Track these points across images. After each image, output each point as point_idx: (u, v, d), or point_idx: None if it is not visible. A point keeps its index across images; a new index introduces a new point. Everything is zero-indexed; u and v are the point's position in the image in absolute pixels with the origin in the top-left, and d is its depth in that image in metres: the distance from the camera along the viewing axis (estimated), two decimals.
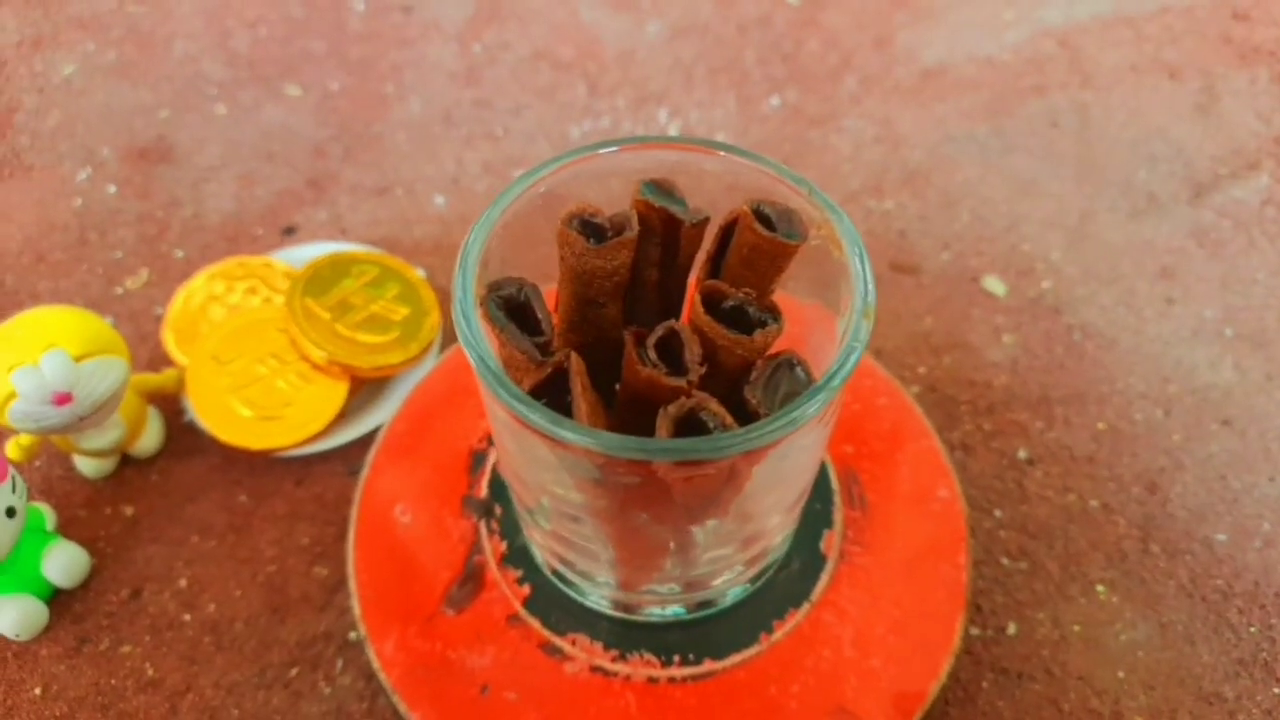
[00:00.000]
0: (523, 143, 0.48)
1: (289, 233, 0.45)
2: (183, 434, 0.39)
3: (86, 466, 0.37)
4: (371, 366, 0.37)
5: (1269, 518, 0.37)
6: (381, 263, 0.40)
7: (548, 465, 0.25)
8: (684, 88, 0.51)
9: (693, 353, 0.24)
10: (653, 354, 0.24)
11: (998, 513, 0.37)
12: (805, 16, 0.54)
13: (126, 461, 0.38)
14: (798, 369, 0.25)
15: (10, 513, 0.32)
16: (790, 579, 0.31)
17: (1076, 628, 0.35)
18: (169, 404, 0.39)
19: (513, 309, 0.24)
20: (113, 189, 0.46)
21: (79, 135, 0.49)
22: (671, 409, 0.23)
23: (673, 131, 0.48)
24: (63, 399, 0.33)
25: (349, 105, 0.50)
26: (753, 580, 0.31)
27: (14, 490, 0.32)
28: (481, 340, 0.23)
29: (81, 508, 0.37)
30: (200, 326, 0.39)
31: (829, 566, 0.32)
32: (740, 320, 0.25)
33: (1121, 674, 0.34)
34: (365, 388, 0.39)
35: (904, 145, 0.48)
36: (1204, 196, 0.46)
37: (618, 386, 0.26)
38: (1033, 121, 0.50)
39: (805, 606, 0.31)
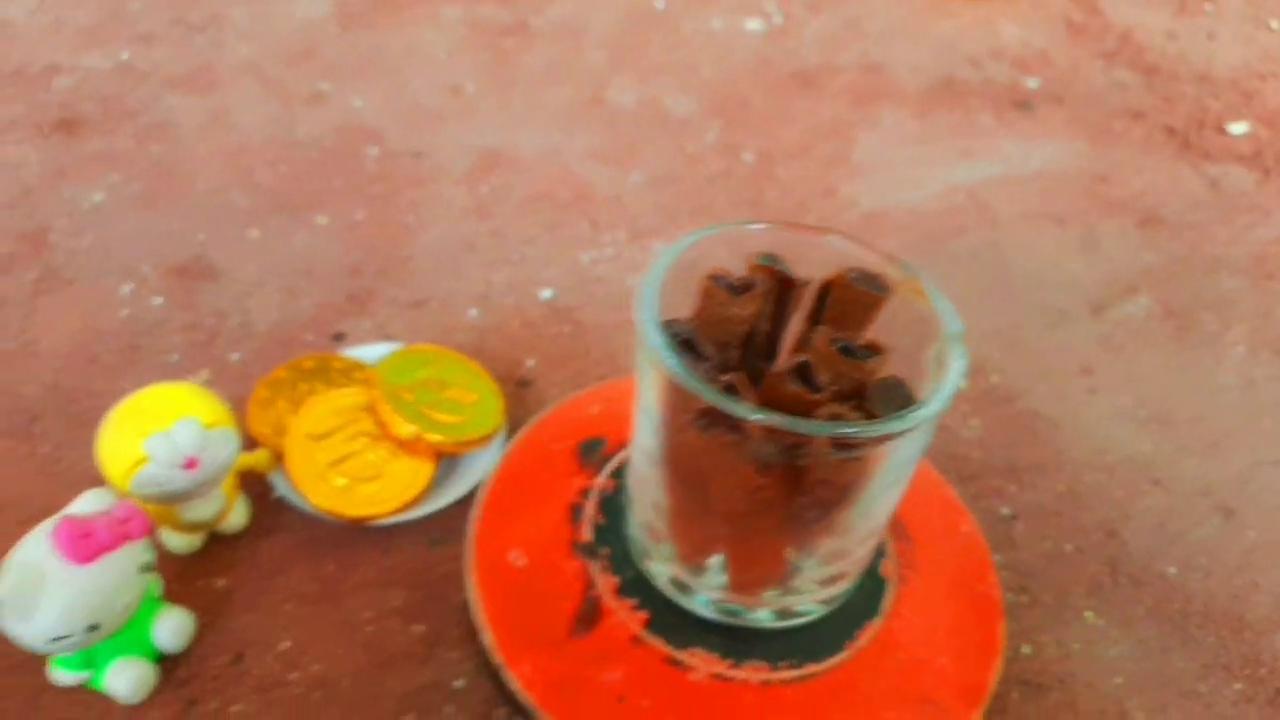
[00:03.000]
0: (540, 266, 0.54)
1: (338, 339, 0.48)
2: (266, 512, 0.41)
3: (176, 542, 0.39)
4: (454, 442, 0.41)
5: (1204, 555, 0.45)
6: (446, 356, 0.45)
7: (715, 468, 0.30)
8: (672, 224, 0.58)
9: (823, 377, 0.30)
10: (793, 379, 0.30)
11: (997, 557, 0.44)
12: (761, 171, 0.64)
13: (213, 538, 0.40)
14: (902, 387, 0.31)
15: (145, 568, 0.34)
16: (860, 598, 0.37)
17: (1076, 646, 0.41)
18: (251, 484, 0.41)
19: (681, 342, 0.30)
20: (158, 301, 0.49)
21: (116, 255, 0.51)
22: (822, 412, 0.29)
23: None
24: (191, 464, 0.36)
25: (376, 232, 0.55)
26: (834, 600, 0.36)
27: (149, 549, 0.34)
28: (668, 359, 0.28)
29: (173, 581, 0.38)
30: (284, 411, 0.42)
31: (890, 587, 0.37)
32: (849, 355, 0.31)
33: (1119, 680, 0.40)
34: (437, 469, 0.42)
35: None
36: (1102, 312, 0.57)
37: None
38: (958, 256, 0.60)
39: (878, 619, 0.36)
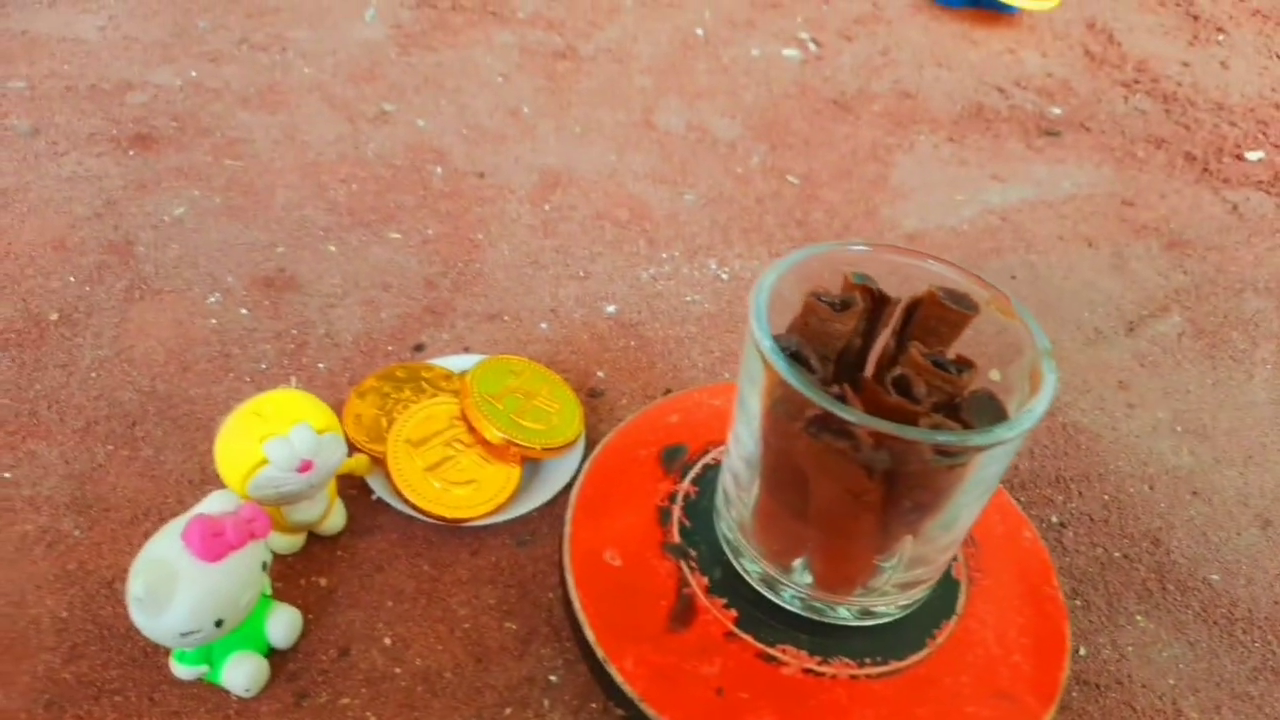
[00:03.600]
0: (603, 282, 0.57)
1: (418, 349, 0.51)
2: (361, 513, 0.43)
3: (280, 543, 0.41)
4: (542, 448, 0.43)
5: (1245, 562, 0.48)
6: (531, 367, 0.47)
7: (821, 472, 0.32)
8: (724, 243, 0.61)
9: (920, 389, 0.32)
10: (892, 390, 0.32)
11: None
12: (806, 193, 0.66)
13: (313, 539, 0.42)
14: (994, 400, 0.33)
15: (264, 566, 0.36)
16: (935, 598, 0.39)
17: (1130, 648, 0.43)
18: (345, 486, 0.43)
19: (791, 354, 0.32)
20: (244, 311, 0.51)
21: (201, 266, 0.53)
22: (924, 423, 0.31)
23: (724, 276, 0.58)
24: (307, 466, 0.38)
25: (447, 248, 0.57)
26: (912, 604, 0.38)
27: (267, 549, 0.36)
28: (784, 369, 0.31)
29: (278, 580, 0.40)
30: (377, 417, 0.44)
31: (963, 588, 0.39)
32: (941, 369, 0.33)
33: (1171, 681, 0.42)
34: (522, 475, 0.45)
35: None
36: (1136, 330, 0.60)
37: None
38: (996, 275, 0.63)
39: (954, 618, 0.38)
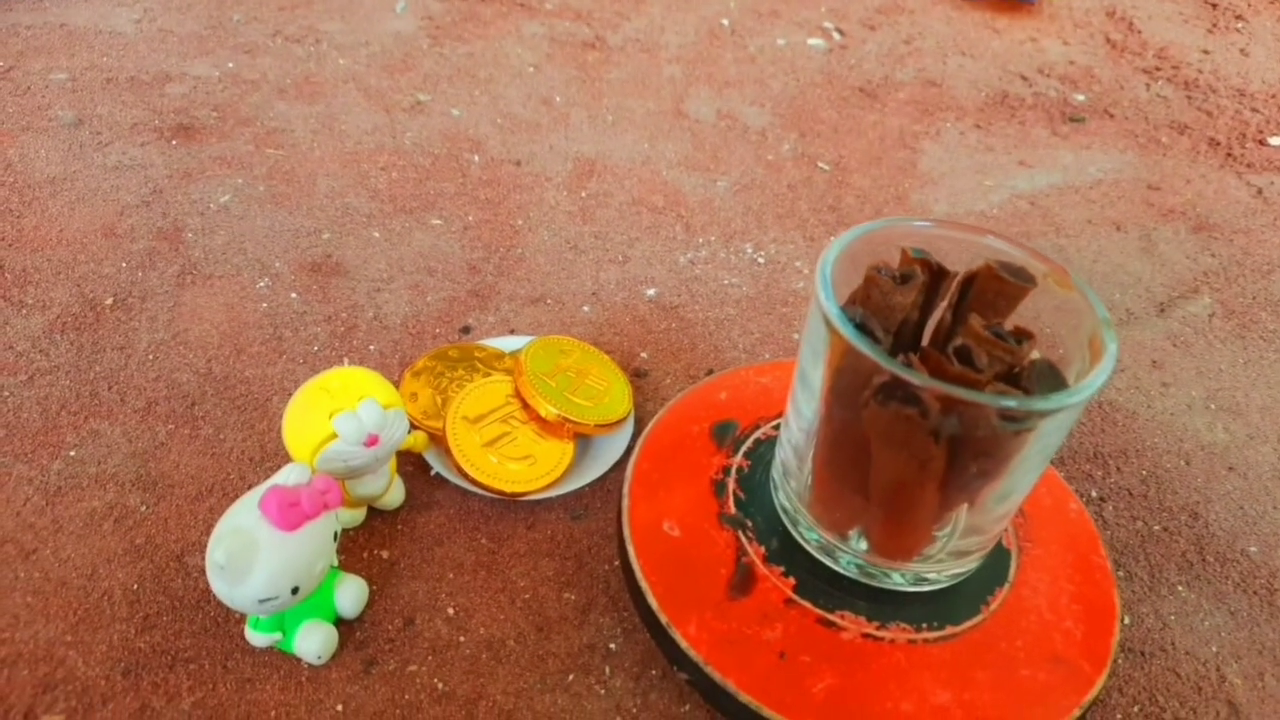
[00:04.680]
0: (643, 266, 0.57)
1: (465, 331, 0.51)
2: (419, 488, 0.44)
3: (344, 517, 0.42)
4: (594, 423, 0.44)
5: None
6: (581, 347, 0.48)
7: (888, 439, 0.33)
8: (759, 228, 0.62)
9: (982, 359, 0.33)
10: (955, 360, 0.33)
11: None
12: (837, 180, 0.67)
13: (373, 514, 0.43)
14: (1054, 368, 0.34)
15: (335, 537, 0.37)
16: (987, 566, 0.40)
17: (1172, 617, 0.44)
18: (403, 463, 0.44)
19: (856, 325, 0.33)
20: (294, 296, 0.52)
21: (249, 251, 0.54)
22: (989, 390, 0.32)
23: (760, 260, 0.59)
24: (373, 441, 0.39)
25: (489, 234, 0.58)
26: (964, 573, 0.39)
27: (338, 520, 0.37)
28: (855, 338, 0.31)
29: (342, 553, 0.41)
30: (432, 396, 0.45)
31: (1014, 557, 0.40)
32: (1001, 339, 0.34)
33: (1214, 648, 0.43)
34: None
35: None
36: (1167, 312, 0.61)
37: None
38: None
39: (1007, 586, 0.39)
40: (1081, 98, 0.80)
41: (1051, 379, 0.34)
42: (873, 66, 0.80)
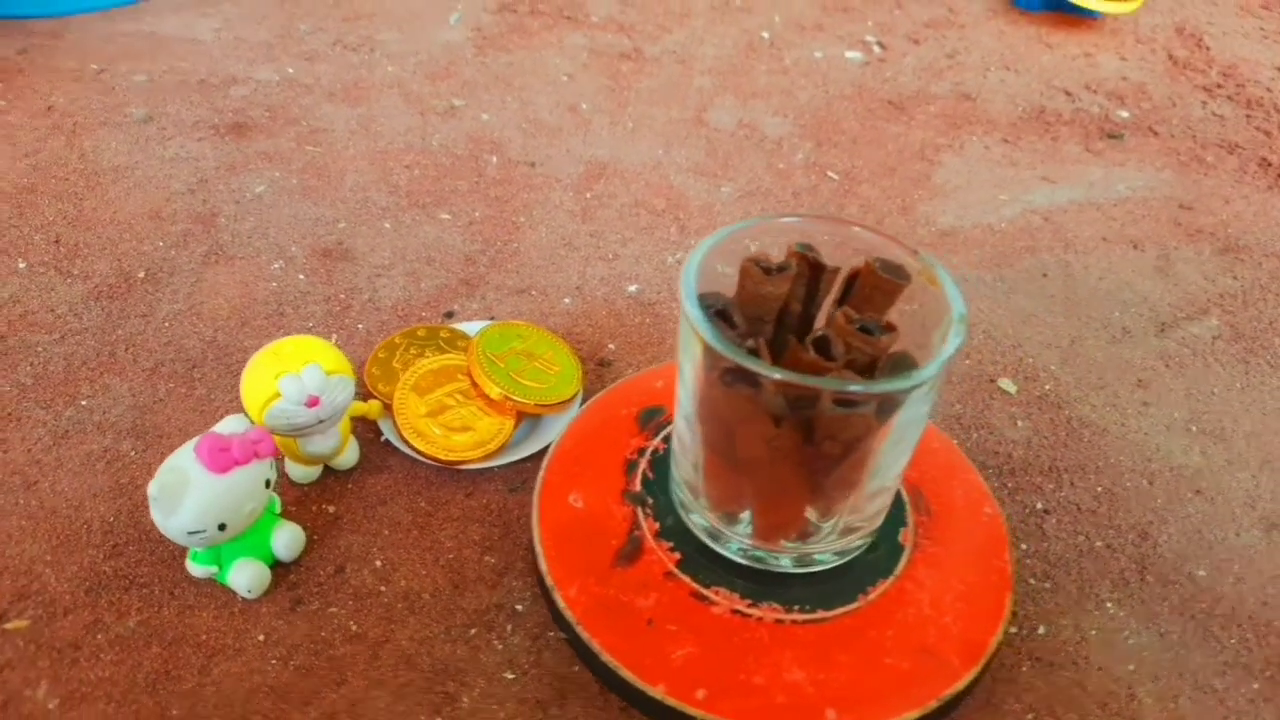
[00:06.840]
0: (630, 264, 0.60)
1: (449, 316, 0.56)
2: (374, 453, 0.48)
3: (298, 473, 0.46)
4: (536, 404, 0.47)
5: (1239, 562, 0.47)
6: (538, 333, 0.51)
7: (737, 419, 0.35)
8: None
9: (838, 349, 0.35)
10: (811, 349, 0.35)
11: (1024, 546, 0.47)
12: (844, 188, 0.68)
13: (328, 472, 0.47)
14: (909, 361, 0.35)
15: (268, 484, 0.41)
16: (877, 559, 0.41)
17: (1094, 632, 0.44)
18: (364, 430, 0.49)
19: (716, 312, 0.35)
20: (302, 277, 0.57)
21: (271, 236, 0.60)
22: (831, 377, 0.33)
23: None
24: (314, 402, 0.43)
25: (491, 229, 0.62)
26: (849, 551, 0.40)
27: (273, 469, 0.41)
28: (700, 324, 0.34)
29: (293, 504, 0.46)
30: (396, 369, 0.49)
31: (907, 552, 0.41)
32: (867, 334, 0.36)
33: (1131, 667, 0.43)
34: (520, 426, 0.49)
35: None
36: (1167, 331, 0.59)
37: None
38: (1027, 272, 0.63)
39: (891, 578, 0.40)
40: (1125, 114, 0.78)
41: (903, 369, 0.35)
42: (908, 79, 0.80)
